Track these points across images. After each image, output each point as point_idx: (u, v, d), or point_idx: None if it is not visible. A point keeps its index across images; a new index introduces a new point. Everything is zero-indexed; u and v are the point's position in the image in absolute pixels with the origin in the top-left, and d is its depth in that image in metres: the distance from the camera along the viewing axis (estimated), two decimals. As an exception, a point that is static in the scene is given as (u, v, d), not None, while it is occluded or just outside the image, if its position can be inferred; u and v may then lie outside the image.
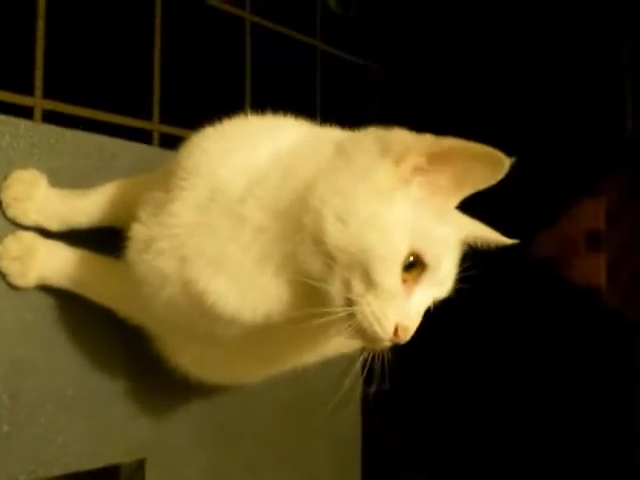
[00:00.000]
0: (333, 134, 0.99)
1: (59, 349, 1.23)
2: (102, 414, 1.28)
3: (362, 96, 3.41)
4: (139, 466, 1.33)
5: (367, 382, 1.85)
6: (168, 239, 0.95)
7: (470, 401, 2.95)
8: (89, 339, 1.26)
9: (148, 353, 1.21)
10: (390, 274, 0.85)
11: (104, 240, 1.15)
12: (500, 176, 0.84)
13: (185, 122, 2.81)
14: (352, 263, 0.85)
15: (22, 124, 1.21)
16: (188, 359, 1.17)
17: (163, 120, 2.74)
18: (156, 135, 2.72)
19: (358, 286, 0.85)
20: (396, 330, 0.87)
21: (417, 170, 0.87)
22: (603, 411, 2.78)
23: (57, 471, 1.22)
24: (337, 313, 0.86)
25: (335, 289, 0.86)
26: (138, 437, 1.33)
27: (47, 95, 2.33)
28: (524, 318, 2.87)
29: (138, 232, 1.00)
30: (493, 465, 2.88)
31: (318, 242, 0.86)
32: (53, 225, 1.18)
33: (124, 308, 1.18)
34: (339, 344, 1.11)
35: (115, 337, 1.27)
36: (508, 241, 1.01)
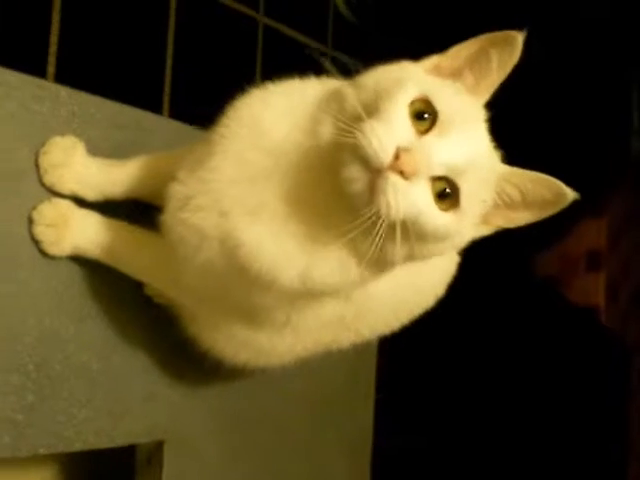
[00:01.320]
0: None
1: (86, 323, 1.20)
2: (124, 392, 1.26)
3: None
4: (158, 448, 1.31)
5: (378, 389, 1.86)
6: (207, 194, 0.93)
7: (472, 415, 2.93)
8: (117, 315, 1.24)
9: (174, 335, 1.19)
10: (397, 105, 0.84)
11: (138, 213, 1.14)
12: (517, 54, 0.87)
13: (193, 119, 2.81)
14: (366, 111, 0.84)
15: (63, 91, 1.19)
16: (219, 336, 1.15)
17: (172, 115, 2.72)
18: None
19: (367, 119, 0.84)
20: (397, 156, 0.81)
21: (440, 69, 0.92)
22: (600, 428, 2.78)
23: (77, 447, 1.19)
24: (347, 140, 0.83)
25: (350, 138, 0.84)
26: (158, 418, 1.31)
27: (58, 81, 2.31)
28: (525, 334, 2.87)
29: (176, 191, 0.98)
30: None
31: (342, 110, 0.87)
32: (89, 194, 1.16)
33: (156, 280, 1.17)
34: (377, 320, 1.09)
35: (143, 316, 1.26)
36: (569, 193, 0.89)
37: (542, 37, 2.98)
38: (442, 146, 0.84)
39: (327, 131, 0.88)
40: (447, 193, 0.85)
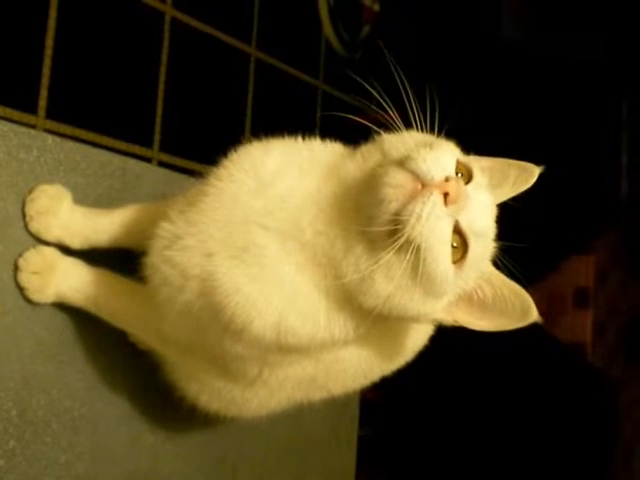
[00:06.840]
0: None
1: (69, 368, 1.21)
2: (105, 437, 1.26)
3: (360, 138, 3.44)
4: (138, 493, 1.31)
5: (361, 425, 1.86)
6: (194, 236, 0.94)
7: (459, 453, 2.93)
8: (99, 361, 1.25)
9: (155, 381, 1.20)
10: (450, 148, 0.93)
11: (122, 262, 1.14)
12: (531, 182, 1.00)
13: (184, 152, 2.83)
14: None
15: (50, 139, 1.20)
16: (194, 384, 1.14)
17: (163, 148, 2.74)
18: (154, 163, 2.73)
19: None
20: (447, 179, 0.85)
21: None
22: (585, 465, 2.78)
23: (58, 492, 1.19)
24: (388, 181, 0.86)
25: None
26: (140, 463, 1.31)
27: (50, 116, 2.33)
28: (511, 371, 2.87)
29: (164, 230, 0.99)
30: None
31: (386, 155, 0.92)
32: (75, 242, 1.17)
33: (137, 329, 1.18)
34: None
35: (126, 362, 1.27)
36: (534, 315, 0.93)
37: (540, 81, 3.02)
38: (477, 198, 0.89)
39: (354, 171, 0.93)
40: (455, 247, 0.88)
